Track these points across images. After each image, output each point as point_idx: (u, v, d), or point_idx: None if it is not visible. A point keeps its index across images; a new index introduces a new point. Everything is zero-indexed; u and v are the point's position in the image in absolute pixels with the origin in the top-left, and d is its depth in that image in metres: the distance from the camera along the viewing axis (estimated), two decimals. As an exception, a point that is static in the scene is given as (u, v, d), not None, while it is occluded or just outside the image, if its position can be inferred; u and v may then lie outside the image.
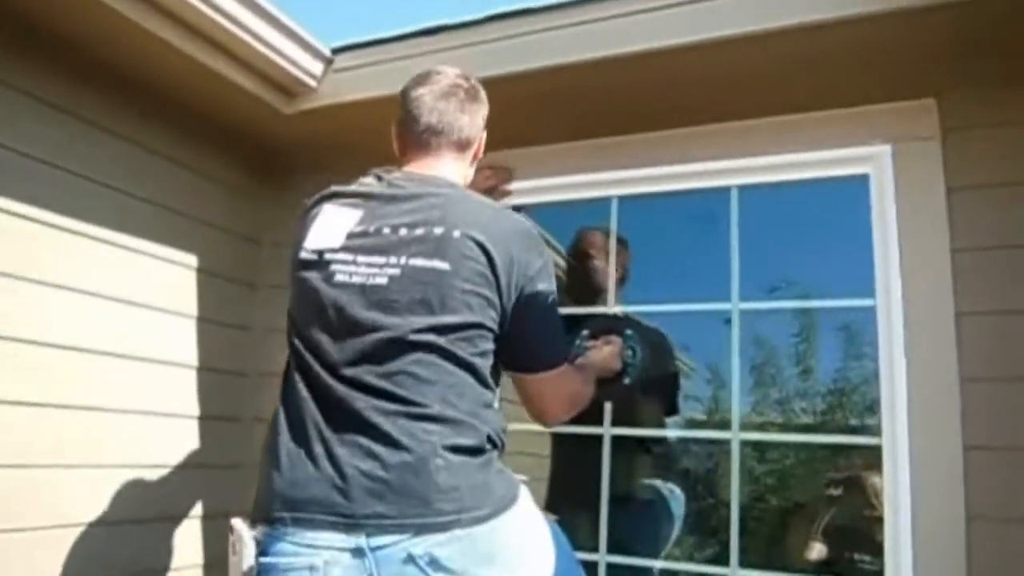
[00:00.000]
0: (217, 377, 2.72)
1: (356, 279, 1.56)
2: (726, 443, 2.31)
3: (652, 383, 2.51)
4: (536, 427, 1.92)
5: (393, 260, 1.55)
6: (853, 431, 4.33)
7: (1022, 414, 1.93)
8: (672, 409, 2.88)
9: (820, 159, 2.29)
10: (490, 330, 1.58)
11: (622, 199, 2.58)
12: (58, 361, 2.20)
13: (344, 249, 1.59)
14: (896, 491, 2.02)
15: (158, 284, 2.52)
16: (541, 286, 1.64)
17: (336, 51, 2.51)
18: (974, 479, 1.93)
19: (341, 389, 1.50)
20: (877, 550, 2.10)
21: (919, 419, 2.02)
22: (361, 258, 1.57)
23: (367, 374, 1.50)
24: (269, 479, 1.51)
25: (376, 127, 1.93)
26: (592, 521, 2.40)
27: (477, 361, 1.55)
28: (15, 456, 2.07)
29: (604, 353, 2.25)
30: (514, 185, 2.60)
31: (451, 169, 1.77)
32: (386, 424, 1.45)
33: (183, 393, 2.61)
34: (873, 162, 2.22)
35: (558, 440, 2.81)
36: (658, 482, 2.85)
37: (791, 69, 2.15)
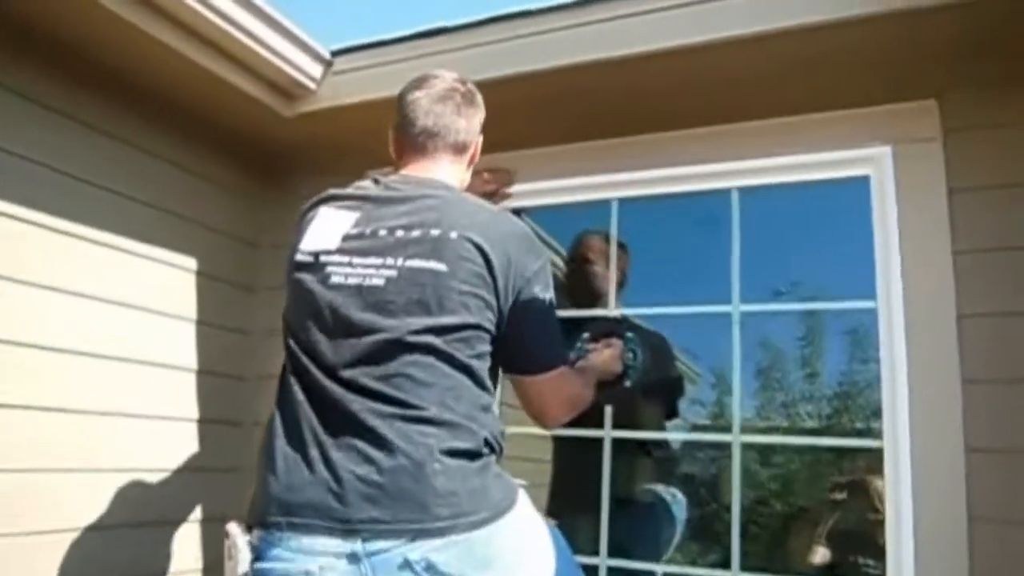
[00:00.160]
0: (216, 380, 2.71)
1: (352, 280, 1.55)
2: (729, 447, 2.30)
3: (653, 386, 2.51)
4: (536, 431, 1.91)
5: (390, 261, 1.55)
6: (858, 434, 4.33)
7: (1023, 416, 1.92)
8: (672, 412, 2.87)
9: (821, 161, 2.28)
10: (487, 332, 1.57)
11: (622, 201, 2.57)
12: (55, 364, 2.19)
13: (340, 251, 1.58)
14: (898, 493, 2.01)
15: (156, 287, 2.52)
16: (538, 288, 1.63)
17: (335, 53, 2.50)
18: (976, 481, 1.92)
19: (337, 391, 1.49)
20: (881, 554, 2.09)
21: (920, 421, 2.01)
22: (357, 260, 1.56)
23: (363, 376, 1.49)
24: (265, 483, 1.50)
25: (376, 129, 1.92)
26: (593, 524, 2.39)
27: (474, 363, 1.55)
28: (13, 460, 2.07)
29: (605, 356, 2.25)
30: (514, 188, 2.59)
31: (448, 172, 1.77)
32: (382, 427, 1.44)
33: (182, 397, 2.60)
34: (874, 164, 2.21)
35: (559, 444, 2.81)
36: (660, 486, 2.84)
37: (791, 70, 2.14)
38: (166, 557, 2.49)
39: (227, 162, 2.82)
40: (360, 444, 1.44)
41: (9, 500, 2.05)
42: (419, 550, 1.38)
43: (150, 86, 2.41)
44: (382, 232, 1.58)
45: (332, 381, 1.50)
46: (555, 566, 1.58)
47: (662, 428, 2.86)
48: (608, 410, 2.45)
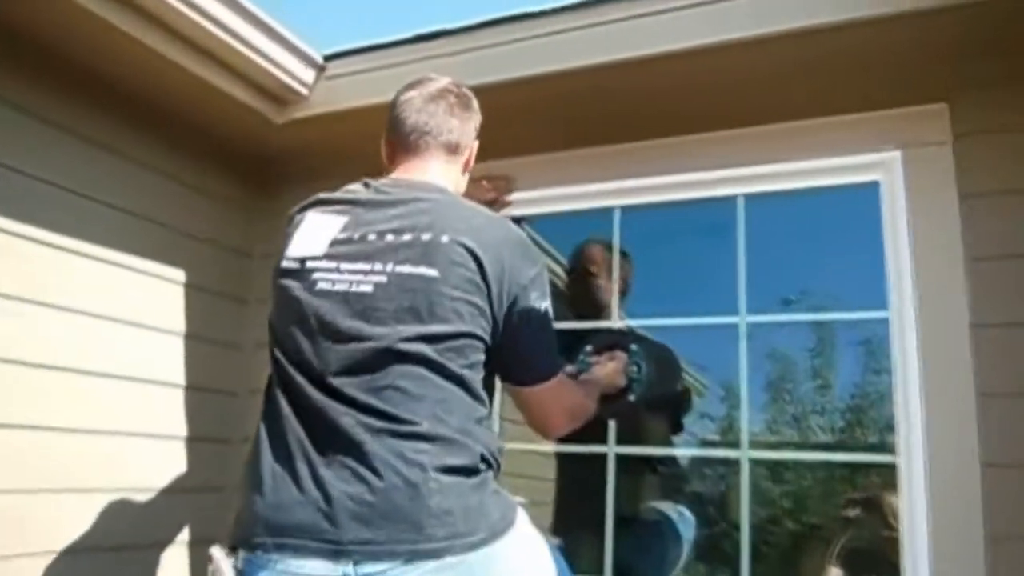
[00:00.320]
0: (206, 396, 2.67)
1: (339, 287, 1.51)
2: (737, 463, 2.26)
3: (658, 400, 2.45)
4: (535, 447, 1.86)
5: (379, 267, 1.50)
6: (871, 449, 4.26)
7: (1041, 429, 1.88)
8: (677, 427, 2.81)
9: (829, 166, 2.26)
10: (481, 340, 1.52)
11: (625, 209, 2.54)
12: (36, 381, 2.14)
13: (327, 256, 1.54)
14: (912, 510, 1.98)
15: (144, 300, 2.48)
16: (535, 295, 1.58)
17: (328, 58, 2.48)
18: (993, 497, 1.88)
19: (324, 402, 1.44)
20: (896, 573, 2.04)
21: (935, 435, 1.97)
22: (345, 265, 1.52)
23: (351, 387, 1.44)
24: (251, 501, 1.44)
25: (371, 135, 1.88)
26: (597, 544, 2.35)
27: (467, 374, 1.49)
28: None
29: (608, 369, 2.20)
30: (514, 196, 2.56)
31: (441, 173, 1.73)
32: (374, 443, 1.39)
33: (170, 413, 2.56)
34: (883, 169, 2.18)
35: (562, 460, 2.76)
36: (666, 504, 2.78)
37: (796, 74, 2.12)
38: (154, 578, 2.43)
39: (218, 171, 2.79)
40: (350, 462, 1.39)
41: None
42: (413, 573, 1.33)
43: (139, 93, 2.38)
44: (371, 237, 1.54)
45: (319, 391, 1.45)
46: (555, 588, 1.53)
47: (668, 443, 2.81)
48: (612, 425, 2.41)
